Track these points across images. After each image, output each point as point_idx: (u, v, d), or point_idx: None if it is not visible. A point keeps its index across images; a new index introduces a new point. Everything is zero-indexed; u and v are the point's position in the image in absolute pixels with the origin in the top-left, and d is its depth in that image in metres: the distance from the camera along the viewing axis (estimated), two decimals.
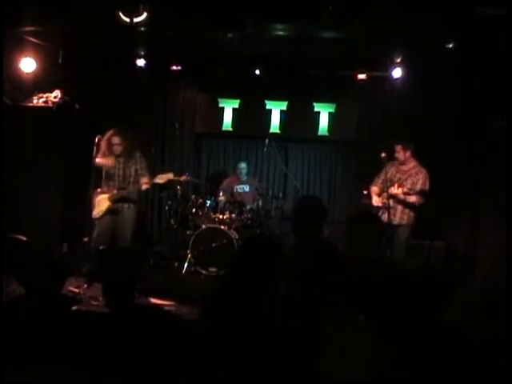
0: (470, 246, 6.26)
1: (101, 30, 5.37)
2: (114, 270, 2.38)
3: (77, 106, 6.10)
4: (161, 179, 5.40)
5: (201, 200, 6.40)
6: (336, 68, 6.81)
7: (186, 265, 6.02)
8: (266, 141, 6.72)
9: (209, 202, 6.36)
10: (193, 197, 6.50)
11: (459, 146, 6.35)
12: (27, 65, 5.82)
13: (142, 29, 5.10)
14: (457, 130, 6.36)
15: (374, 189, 5.66)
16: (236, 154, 7.77)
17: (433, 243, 6.06)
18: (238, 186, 6.97)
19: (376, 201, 5.57)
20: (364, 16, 4.68)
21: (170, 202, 6.64)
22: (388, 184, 5.36)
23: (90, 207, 5.32)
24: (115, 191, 5.33)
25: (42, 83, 6.06)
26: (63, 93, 6.05)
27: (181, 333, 2.07)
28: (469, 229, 6.34)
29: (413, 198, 5.39)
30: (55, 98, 6.00)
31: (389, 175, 5.42)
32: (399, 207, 5.44)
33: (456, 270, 5.77)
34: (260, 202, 6.62)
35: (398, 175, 5.51)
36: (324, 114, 7.46)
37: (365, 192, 5.95)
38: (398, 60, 6.20)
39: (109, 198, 5.29)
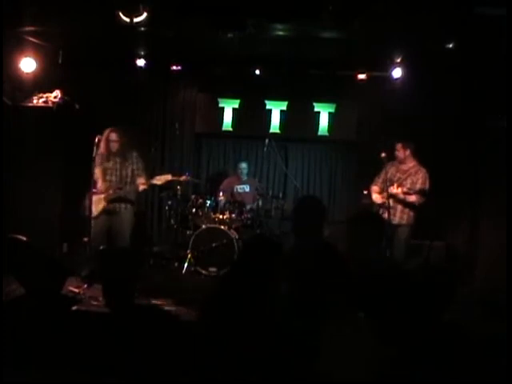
0: (470, 245, 6.26)
1: (101, 30, 5.37)
2: (114, 270, 2.38)
3: (77, 106, 6.10)
4: (158, 180, 5.39)
5: (201, 200, 6.40)
6: (336, 68, 6.81)
7: (185, 265, 6.02)
8: (266, 141, 6.72)
9: (209, 202, 6.36)
10: (193, 197, 6.50)
11: (459, 146, 6.35)
12: (27, 65, 5.82)
13: (142, 29, 5.09)
14: (457, 130, 6.36)
15: (374, 188, 5.67)
16: (236, 154, 7.77)
17: (433, 243, 6.06)
18: (239, 186, 6.97)
19: (376, 197, 5.56)
20: (364, 16, 4.68)
21: (170, 202, 6.64)
22: (388, 184, 5.36)
23: (85, 207, 5.28)
24: (111, 191, 5.31)
25: (42, 83, 6.05)
26: (63, 93, 6.04)
27: (181, 333, 2.07)
28: (469, 229, 6.34)
29: (412, 198, 5.39)
30: (55, 98, 6.00)
31: (389, 175, 5.43)
32: (399, 207, 5.44)
33: (456, 270, 5.76)
34: (260, 202, 6.62)
35: (398, 175, 5.51)
36: (324, 114, 7.45)
37: (365, 192, 5.95)
38: (398, 60, 6.19)
39: (104, 198, 5.27)
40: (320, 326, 1.96)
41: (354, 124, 7.42)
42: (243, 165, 7.05)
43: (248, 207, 6.55)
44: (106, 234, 5.35)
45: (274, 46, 6.08)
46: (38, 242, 2.63)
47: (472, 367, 1.79)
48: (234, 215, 6.30)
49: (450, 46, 5.34)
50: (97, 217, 5.23)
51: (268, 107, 7.46)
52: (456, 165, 6.32)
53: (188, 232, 6.44)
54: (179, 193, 6.37)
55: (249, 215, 6.47)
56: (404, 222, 5.45)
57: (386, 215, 5.27)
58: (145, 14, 4.66)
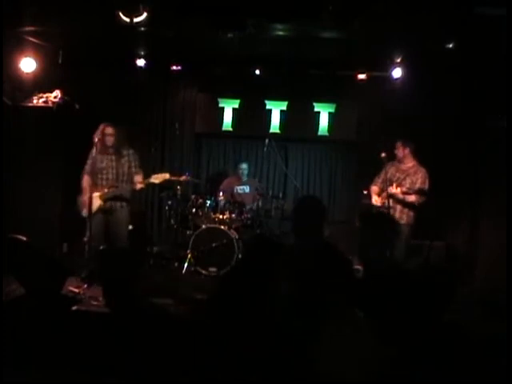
0: (470, 245, 6.26)
1: (101, 30, 5.36)
2: (114, 270, 2.38)
3: (77, 106, 6.09)
4: (156, 179, 5.34)
5: (201, 200, 6.39)
6: (336, 68, 6.81)
7: (185, 265, 6.02)
8: (266, 141, 6.72)
9: (209, 202, 6.36)
10: (193, 197, 6.50)
11: (459, 146, 6.35)
12: (27, 65, 5.82)
13: (142, 29, 5.09)
14: (457, 130, 6.36)
15: (374, 188, 5.67)
16: (236, 154, 7.77)
17: (433, 243, 6.05)
18: (239, 187, 6.97)
19: (376, 200, 5.57)
20: (364, 16, 4.68)
21: (170, 202, 6.63)
22: (388, 183, 5.36)
23: (80, 207, 5.29)
24: (106, 190, 5.27)
25: (42, 83, 6.05)
26: (63, 93, 6.04)
27: (181, 333, 2.07)
28: (469, 229, 6.34)
29: (412, 198, 5.39)
30: (55, 98, 6.00)
31: (388, 175, 5.43)
32: (398, 207, 5.44)
33: (456, 270, 5.77)
34: (260, 202, 6.62)
35: (398, 175, 5.51)
36: (324, 114, 7.46)
37: (365, 192, 5.95)
38: (398, 60, 6.19)
39: (100, 197, 5.22)
40: (320, 325, 1.96)
41: (354, 124, 7.42)
42: (243, 165, 7.05)
43: (248, 207, 6.55)
44: (104, 234, 5.33)
45: (274, 46, 6.07)
46: (38, 242, 2.64)
47: (472, 367, 1.79)
48: (234, 215, 6.30)
49: (450, 46, 5.34)
50: (93, 216, 5.15)
51: (268, 107, 7.46)
52: (456, 165, 6.32)
53: (188, 232, 6.44)
54: (179, 193, 6.36)
55: (249, 215, 6.47)
56: (404, 221, 5.45)
57: None
58: (145, 14, 4.66)
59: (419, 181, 5.40)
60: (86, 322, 2.19)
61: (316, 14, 4.71)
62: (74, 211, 5.42)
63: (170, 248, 6.72)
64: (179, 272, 6.01)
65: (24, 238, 2.51)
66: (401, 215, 5.45)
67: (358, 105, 7.36)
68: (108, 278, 2.35)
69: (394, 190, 5.40)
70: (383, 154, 5.36)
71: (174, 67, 6.93)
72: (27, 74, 5.87)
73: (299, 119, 7.45)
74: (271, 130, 7.44)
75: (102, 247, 5.02)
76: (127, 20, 4.67)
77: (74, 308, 2.51)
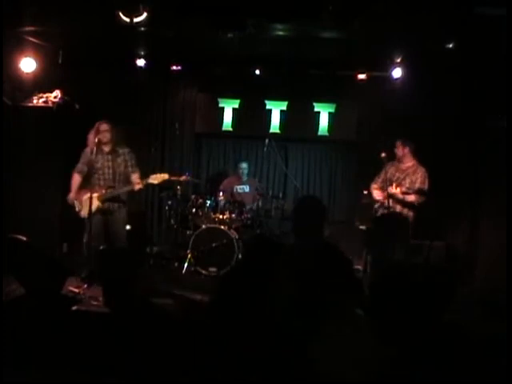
0: (470, 245, 6.26)
1: (101, 30, 5.37)
2: (113, 270, 2.38)
3: (77, 106, 6.09)
4: (155, 180, 5.27)
5: (201, 200, 6.39)
6: (336, 68, 6.81)
7: (185, 265, 6.02)
8: (266, 141, 6.72)
9: (209, 202, 6.36)
10: (193, 197, 6.50)
11: (459, 146, 6.35)
12: (27, 65, 5.82)
13: (142, 29, 5.10)
14: (457, 130, 6.36)
15: (375, 187, 5.67)
16: (236, 154, 7.77)
17: (433, 243, 6.05)
18: (239, 187, 6.97)
19: (377, 194, 5.55)
20: (364, 16, 4.68)
21: (170, 202, 6.63)
22: (387, 183, 5.37)
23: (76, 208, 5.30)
24: (104, 191, 5.25)
25: (42, 83, 6.05)
26: (63, 93, 6.04)
27: (181, 333, 2.07)
28: (469, 229, 6.34)
29: (411, 198, 5.39)
30: (55, 98, 6.00)
31: (388, 175, 5.43)
32: (398, 207, 5.44)
33: (456, 270, 5.77)
34: (260, 202, 6.62)
35: (397, 174, 5.51)
36: (324, 114, 7.46)
37: (365, 192, 5.95)
38: (398, 60, 6.20)
39: (98, 198, 5.18)
40: (320, 325, 1.96)
41: (354, 124, 7.42)
42: (243, 165, 7.05)
43: (248, 207, 6.55)
44: (103, 234, 5.33)
45: (274, 46, 6.08)
46: (38, 242, 2.63)
47: (472, 367, 1.79)
48: (234, 215, 6.30)
49: (450, 46, 5.34)
50: (92, 217, 5.11)
51: (268, 107, 7.46)
52: (456, 165, 6.32)
53: (188, 232, 6.44)
54: (179, 193, 6.36)
55: (249, 215, 6.47)
56: None
57: None
58: (145, 14, 4.66)
59: (419, 180, 5.40)
60: (86, 321, 2.19)
61: (316, 14, 4.71)
62: (74, 211, 5.43)
63: (170, 248, 6.72)
64: (179, 272, 6.01)
65: (24, 238, 2.51)
66: None
67: (358, 105, 7.36)
68: (108, 277, 2.35)
69: (393, 190, 5.40)
70: (383, 154, 5.36)
71: (174, 67, 6.94)
72: (27, 74, 5.87)
73: (299, 119, 7.45)
74: (271, 130, 7.44)
75: (101, 247, 5.02)
76: (127, 20, 4.67)
77: (74, 308, 2.51)
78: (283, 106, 7.44)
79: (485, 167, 5.97)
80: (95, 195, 5.15)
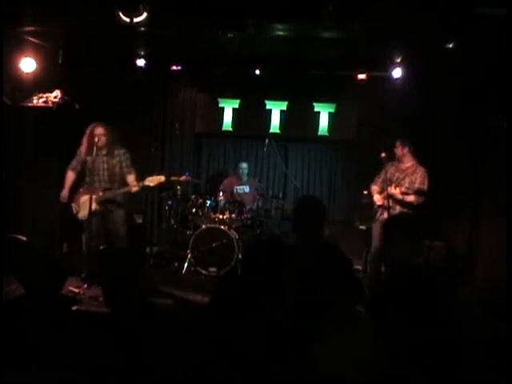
0: (469, 246, 6.26)
1: (101, 30, 5.37)
2: (113, 270, 2.38)
3: (77, 106, 6.10)
4: (151, 182, 5.19)
5: (201, 200, 6.40)
6: (336, 68, 6.81)
7: (185, 265, 6.02)
8: (266, 141, 6.72)
9: (209, 202, 6.36)
10: (193, 197, 6.50)
11: (459, 146, 6.35)
12: (27, 65, 5.82)
13: (142, 29, 5.10)
14: (457, 130, 6.36)
15: (375, 188, 5.67)
16: (236, 154, 7.77)
17: (433, 243, 6.06)
18: (239, 187, 6.97)
19: (378, 199, 5.56)
20: (364, 16, 4.68)
21: (170, 202, 6.63)
22: (387, 183, 5.36)
23: (73, 208, 5.30)
24: (101, 193, 5.23)
25: (42, 83, 6.06)
26: (63, 93, 6.05)
27: (181, 333, 2.07)
28: (469, 229, 6.34)
29: (411, 198, 5.38)
30: (55, 98, 6.00)
31: (388, 175, 5.43)
32: (397, 207, 5.44)
33: (456, 270, 5.77)
34: (260, 202, 6.62)
35: (397, 174, 5.51)
36: (324, 113, 7.46)
37: (365, 192, 5.95)
38: (398, 60, 6.20)
39: (95, 200, 5.14)
40: (320, 325, 1.96)
41: (354, 124, 7.42)
42: (244, 165, 7.05)
43: (248, 207, 6.55)
44: (103, 235, 5.33)
45: (274, 46, 6.08)
46: (38, 242, 2.63)
47: (472, 367, 1.79)
48: (234, 215, 6.30)
49: (450, 46, 5.34)
50: (89, 219, 5.11)
51: (268, 107, 7.47)
52: (456, 165, 6.32)
53: (188, 232, 6.44)
54: (179, 193, 6.37)
55: (249, 215, 6.47)
56: None
57: (385, 215, 5.28)
58: (145, 14, 4.66)
59: (418, 180, 5.39)
60: (86, 321, 2.19)
61: (316, 14, 4.72)
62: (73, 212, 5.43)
63: (170, 248, 6.72)
64: (179, 272, 6.01)
65: (24, 238, 2.51)
66: None
67: (358, 105, 7.37)
68: (108, 277, 2.35)
69: (393, 190, 5.40)
70: (383, 154, 5.36)
71: (174, 67, 6.94)
72: (27, 74, 5.88)
73: (299, 119, 7.45)
74: (271, 130, 7.44)
75: (101, 247, 5.02)
76: (127, 20, 4.67)
77: (74, 308, 2.51)
78: (283, 106, 7.44)
79: (485, 167, 5.97)
80: (93, 197, 5.13)
